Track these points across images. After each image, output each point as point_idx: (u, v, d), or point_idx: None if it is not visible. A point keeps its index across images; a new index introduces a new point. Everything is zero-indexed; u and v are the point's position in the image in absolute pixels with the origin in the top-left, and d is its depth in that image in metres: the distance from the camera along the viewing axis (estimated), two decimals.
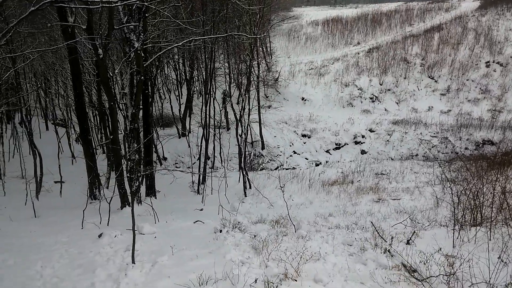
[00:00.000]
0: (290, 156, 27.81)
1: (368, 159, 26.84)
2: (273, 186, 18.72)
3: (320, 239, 9.36)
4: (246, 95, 23.23)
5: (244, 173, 18.54)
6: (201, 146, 20.36)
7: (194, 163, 23.39)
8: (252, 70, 25.49)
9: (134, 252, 8.08)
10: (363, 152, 28.65)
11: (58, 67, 22.29)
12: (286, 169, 25.42)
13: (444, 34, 38.74)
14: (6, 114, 26.15)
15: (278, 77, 34.52)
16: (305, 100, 33.73)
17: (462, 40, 37.57)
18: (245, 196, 17.59)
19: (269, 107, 32.19)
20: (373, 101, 33.57)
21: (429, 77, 35.02)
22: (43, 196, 16.45)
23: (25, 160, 18.79)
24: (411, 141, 28.78)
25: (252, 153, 26.98)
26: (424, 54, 36.88)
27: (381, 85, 34.69)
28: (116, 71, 15.22)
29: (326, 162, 27.23)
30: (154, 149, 21.39)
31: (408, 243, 8.27)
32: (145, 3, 12.22)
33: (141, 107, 15.04)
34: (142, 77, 13.57)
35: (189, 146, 25.10)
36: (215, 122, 22.78)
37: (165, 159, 26.03)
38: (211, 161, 24.46)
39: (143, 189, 16.41)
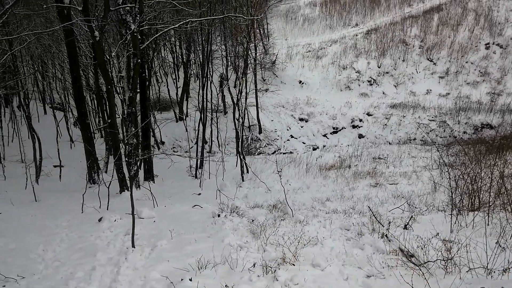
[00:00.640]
0: (288, 140, 27.82)
1: (366, 143, 26.88)
2: (270, 171, 18.77)
3: (318, 224, 9.43)
4: (243, 78, 23.07)
5: (242, 158, 18.56)
6: (198, 130, 20.31)
7: (192, 147, 23.39)
8: (249, 52, 25.26)
9: (134, 236, 8.14)
10: (360, 136, 28.67)
11: (55, 49, 22.03)
12: (284, 153, 25.46)
13: (444, 15, 38.32)
14: (4, 98, 25.96)
15: (275, 60, 34.25)
16: (303, 83, 33.55)
17: (461, 21, 37.19)
18: (243, 180, 17.64)
19: (266, 90, 32.01)
20: (371, 84, 33.42)
21: (428, 59, 34.82)
22: (43, 180, 16.46)
23: (24, 144, 18.73)
24: (409, 125, 28.79)
25: (250, 137, 26.97)
26: (423, 36, 36.56)
27: (379, 67, 34.50)
28: (113, 53, 15.03)
29: (324, 146, 27.27)
30: (151, 133, 21.34)
31: (405, 228, 8.34)
32: None
33: (138, 90, 14.92)
34: (139, 60, 13.44)
35: (186, 130, 25.02)
36: (212, 106, 22.68)
37: (162, 143, 26.01)
38: (209, 146, 24.45)
39: (141, 173, 16.42)
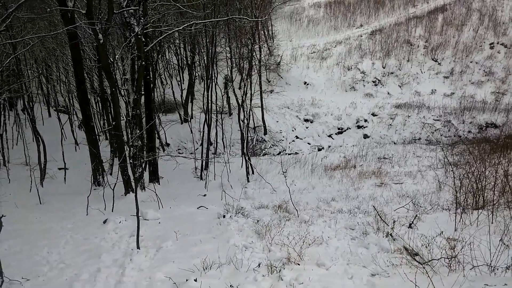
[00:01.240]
0: (293, 141, 27.80)
1: (371, 143, 26.81)
2: (275, 171, 18.77)
3: (323, 224, 9.44)
4: (248, 79, 23.10)
5: (247, 159, 18.57)
6: (203, 131, 20.36)
7: (197, 148, 23.43)
8: (254, 54, 25.30)
9: (139, 238, 8.17)
10: (365, 136, 28.60)
11: (59, 53, 22.15)
12: (289, 154, 25.45)
13: (448, 15, 38.21)
14: (9, 101, 26.13)
15: (280, 61, 34.27)
16: (307, 84, 33.53)
17: (466, 21, 37.06)
18: (248, 181, 17.65)
19: (271, 91, 32.03)
20: (375, 85, 33.35)
21: (433, 59, 34.70)
22: (48, 183, 16.56)
23: (29, 147, 18.86)
24: (414, 124, 28.69)
25: (255, 138, 26.98)
26: (428, 36, 36.46)
27: (384, 68, 34.43)
28: (116, 56, 15.12)
29: (329, 146, 27.22)
30: (156, 135, 21.41)
31: (410, 226, 8.32)
32: None
33: (142, 93, 14.99)
34: (143, 62, 13.50)
35: (191, 132, 25.11)
36: (217, 107, 22.72)
37: (167, 145, 26.08)
38: (214, 147, 24.48)
39: (146, 175, 16.47)
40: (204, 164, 19.26)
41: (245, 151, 19.37)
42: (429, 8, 40.34)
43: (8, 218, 10.76)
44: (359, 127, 29.21)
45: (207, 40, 21.25)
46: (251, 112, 22.58)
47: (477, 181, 9.33)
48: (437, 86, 32.53)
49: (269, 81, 33.17)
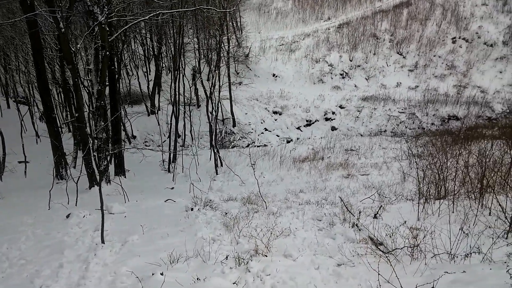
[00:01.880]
0: (262, 133, 27.87)
1: (338, 135, 27.24)
2: (244, 164, 18.77)
3: (291, 215, 9.52)
4: (216, 71, 22.93)
5: (215, 151, 18.47)
6: (171, 124, 20.09)
7: (164, 141, 23.10)
8: (222, 45, 25.08)
9: (104, 232, 7.99)
10: (333, 128, 29.02)
11: (18, 41, 21.24)
12: (258, 146, 25.51)
13: (413, 9, 39.11)
14: None
15: (248, 53, 34.16)
16: (276, 76, 33.62)
17: (430, 16, 38.06)
18: (217, 174, 17.57)
19: (240, 83, 31.92)
20: (343, 77, 33.83)
21: (398, 53, 35.50)
22: (7, 176, 15.92)
23: None
24: (380, 117, 29.33)
25: (223, 131, 26.87)
26: (393, 30, 37.23)
27: (351, 61, 34.94)
28: (79, 45, 14.62)
29: (297, 139, 27.47)
30: (122, 127, 20.94)
31: (375, 217, 8.50)
32: None
33: (107, 83, 14.58)
34: (108, 53, 13.12)
35: (158, 124, 24.68)
36: (185, 99, 22.43)
37: (134, 137, 25.58)
38: (182, 139, 24.21)
39: (111, 168, 16.12)
40: (171, 156, 19.03)
41: (213, 143, 19.26)
42: (394, 2, 41.11)
43: None
44: (327, 119, 29.59)
45: (174, 31, 20.89)
46: (219, 104, 22.44)
47: (439, 172, 9.63)
48: (402, 79, 33.34)
49: (237, 73, 33.02)
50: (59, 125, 17.27)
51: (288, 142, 26.83)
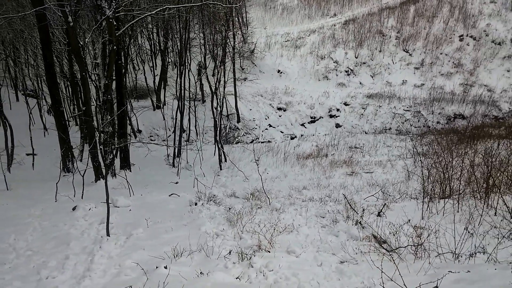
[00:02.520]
0: (266, 129, 27.87)
1: (343, 132, 27.18)
2: (248, 159, 18.81)
3: (294, 212, 9.56)
4: (222, 66, 22.92)
5: (220, 146, 18.51)
6: (176, 118, 20.12)
7: (169, 136, 23.15)
8: (228, 41, 25.06)
9: (109, 225, 8.07)
10: (337, 125, 28.96)
11: (27, 35, 21.32)
12: (262, 142, 25.51)
13: (420, 6, 38.83)
14: None
15: (254, 49, 34.09)
16: (281, 72, 33.55)
17: (437, 13, 37.78)
18: (221, 169, 17.62)
19: (245, 79, 31.90)
20: (348, 75, 33.70)
21: (404, 50, 35.30)
22: (15, 168, 16.03)
23: None
24: (385, 114, 29.23)
25: (228, 126, 26.90)
26: (400, 27, 36.99)
27: (356, 58, 34.79)
28: (87, 39, 14.66)
29: (301, 135, 27.44)
30: (128, 121, 21.01)
31: (379, 215, 8.53)
32: None
33: (114, 78, 14.64)
34: (115, 47, 13.16)
35: (164, 119, 24.75)
36: (190, 94, 22.46)
37: (139, 131, 25.67)
38: (186, 134, 24.27)
39: (117, 162, 16.20)
40: (176, 151, 19.08)
41: (218, 138, 19.29)
42: None
43: None
44: (331, 116, 29.53)
45: (181, 26, 20.87)
46: (224, 99, 22.44)
47: (444, 171, 9.62)
48: (408, 77, 33.16)
49: (242, 69, 32.99)
50: (66, 118, 17.34)
51: (292, 138, 26.82)
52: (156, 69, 29.87)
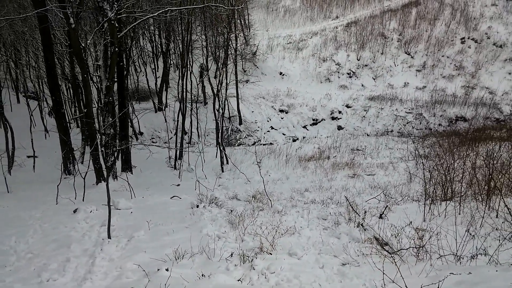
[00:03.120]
0: (268, 131, 27.87)
1: (345, 134, 27.17)
2: (250, 162, 18.79)
3: (296, 214, 9.55)
4: (224, 69, 22.94)
5: (221, 149, 18.50)
6: (177, 120, 20.13)
7: (171, 138, 23.18)
8: (230, 43, 25.10)
9: (110, 227, 8.06)
10: (339, 127, 28.94)
11: (29, 37, 21.39)
12: (264, 144, 25.51)
13: (422, 9, 38.87)
14: None
15: (256, 51, 34.13)
16: (283, 74, 33.58)
17: (438, 16, 37.81)
18: (222, 171, 17.61)
19: (247, 81, 31.93)
20: (350, 77, 33.71)
21: (406, 52, 35.30)
22: (16, 171, 16.05)
23: None
24: (387, 117, 29.20)
25: (230, 128, 26.91)
26: (401, 30, 37.02)
27: (358, 60, 34.81)
28: (88, 41, 14.69)
29: (303, 137, 27.43)
30: (129, 123, 21.03)
31: (380, 217, 8.50)
32: None
33: (115, 79, 14.66)
34: (117, 49, 13.19)
35: (165, 121, 24.79)
36: (192, 96, 22.48)
37: (141, 133, 25.70)
38: (188, 136, 24.29)
39: (118, 164, 16.20)
40: (178, 153, 19.09)
41: (220, 141, 19.29)
42: (403, 2, 40.89)
43: None
44: (333, 118, 29.52)
45: (183, 28, 20.93)
46: (226, 101, 22.47)
47: (446, 173, 9.60)
48: (410, 79, 33.14)
49: (244, 71, 33.03)
50: (67, 120, 17.37)
51: (294, 140, 26.82)
52: (158, 71, 29.91)
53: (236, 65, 27.03)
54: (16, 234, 8.24)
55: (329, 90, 31.69)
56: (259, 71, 33.58)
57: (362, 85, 32.92)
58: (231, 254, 6.75)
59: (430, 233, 6.75)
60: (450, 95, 30.83)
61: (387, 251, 6.49)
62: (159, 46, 30.52)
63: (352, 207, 9.12)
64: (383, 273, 5.22)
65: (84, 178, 11.65)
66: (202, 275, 5.98)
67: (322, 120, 29.40)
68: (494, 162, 8.92)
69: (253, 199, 11.38)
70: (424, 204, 8.52)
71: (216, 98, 20.89)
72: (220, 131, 20.01)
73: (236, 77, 26.77)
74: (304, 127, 28.94)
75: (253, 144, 25.67)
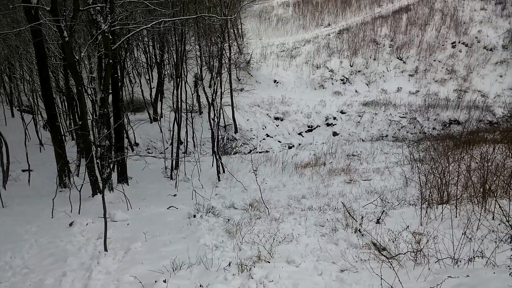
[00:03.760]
0: (263, 139, 27.89)
1: (340, 140, 27.23)
2: (246, 170, 18.77)
3: (293, 221, 9.53)
4: (218, 78, 23.02)
5: (218, 158, 18.49)
6: (173, 130, 20.13)
7: (167, 148, 23.16)
8: (224, 52, 25.20)
9: (106, 240, 8.01)
10: (334, 133, 29.04)
11: (22, 50, 21.39)
12: (259, 152, 25.51)
13: (412, 15, 39.27)
14: None
15: (250, 60, 34.28)
16: (277, 82, 33.72)
17: (429, 21, 38.19)
18: (219, 180, 17.58)
19: (242, 90, 32.02)
20: (344, 83, 33.91)
21: (398, 58, 35.58)
22: (11, 185, 15.94)
23: None
24: (381, 122, 29.34)
25: (225, 137, 26.91)
26: (393, 35, 37.35)
27: (351, 66, 35.03)
28: (82, 54, 14.73)
29: (299, 144, 27.47)
30: (125, 134, 20.99)
31: (378, 222, 8.51)
32: None
33: (110, 91, 14.66)
34: (111, 61, 13.21)
35: (161, 131, 24.76)
36: (187, 106, 22.51)
37: (136, 144, 25.64)
38: (184, 146, 24.27)
39: (114, 176, 16.14)
40: (174, 163, 19.06)
41: (215, 150, 19.30)
42: (393, 8, 41.29)
43: None
44: (328, 124, 29.63)
45: (176, 38, 21.01)
46: (221, 110, 22.50)
47: (442, 177, 9.64)
48: (403, 84, 33.37)
49: (239, 80, 33.15)
50: (62, 133, 17.32)
51: (289, 148, 26.84)
52: (152, 82, 29.95)
53: (230, 74, 27.13)
54: (11, 249, 8.18)
55: (323, 97, 31.84)
56: (254, 79, 33.71)
57: (356, 91, 33.10)
58: (229, 264, 6.72)
59: (427, 237, 6.76)
60: (443, 99, 31.06)
61: (385, 256, 6.49)
62: (153, 57, 30.63)
63: (349, 213, 9.13)
64: (381, 279, 5.22)
65: (79, 191, 11.58)
66: (200, 285, 5.95)
67: (317, 126, 29.49)
68: (488, 164, 8.97)
69: (250, 207, 11.36)
70: (421, 208, 8.54)
71: (211, 107, 20.93)
72: (216, 140, 20.02)
73: (231, 86, 26.84)
74: (300, 134, 29.01)
75: (249, 152, 25.68)
